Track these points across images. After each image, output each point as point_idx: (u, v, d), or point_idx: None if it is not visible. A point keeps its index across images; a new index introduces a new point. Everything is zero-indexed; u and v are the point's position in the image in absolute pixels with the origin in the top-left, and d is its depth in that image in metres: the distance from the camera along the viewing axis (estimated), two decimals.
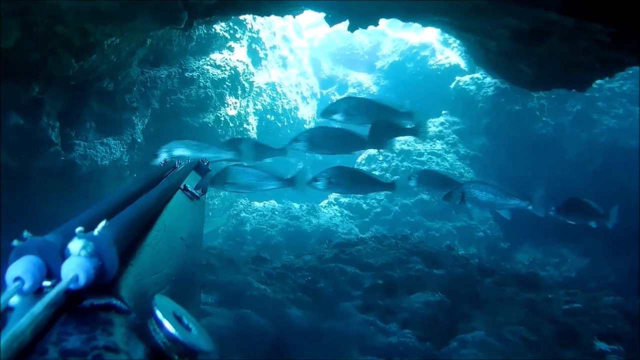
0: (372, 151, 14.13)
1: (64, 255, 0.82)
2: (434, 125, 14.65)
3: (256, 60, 14.68)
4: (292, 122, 15.90)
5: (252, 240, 11.62)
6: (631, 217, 12.82)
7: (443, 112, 15.08)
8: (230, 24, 13.00)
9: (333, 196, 13.65)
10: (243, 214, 12.19)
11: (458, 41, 14.10)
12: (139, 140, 10.40)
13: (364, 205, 13.05)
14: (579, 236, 12.96)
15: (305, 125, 16.55)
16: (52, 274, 0.81)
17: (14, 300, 0.77)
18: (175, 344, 0.80)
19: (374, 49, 18.62)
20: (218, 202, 13.12)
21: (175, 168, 2.04)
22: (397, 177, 12.41)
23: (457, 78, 15.21)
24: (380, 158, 13.82)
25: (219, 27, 12.53)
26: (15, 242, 0.82)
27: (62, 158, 8.65)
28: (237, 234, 11.85)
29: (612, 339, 7.05)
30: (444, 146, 14.07)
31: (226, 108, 12.69)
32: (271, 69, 15.56)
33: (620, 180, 13.01)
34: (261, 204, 12.88)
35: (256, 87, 14.34)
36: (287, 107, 15.74)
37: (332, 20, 6.87)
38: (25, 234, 0.85)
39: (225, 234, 12.30)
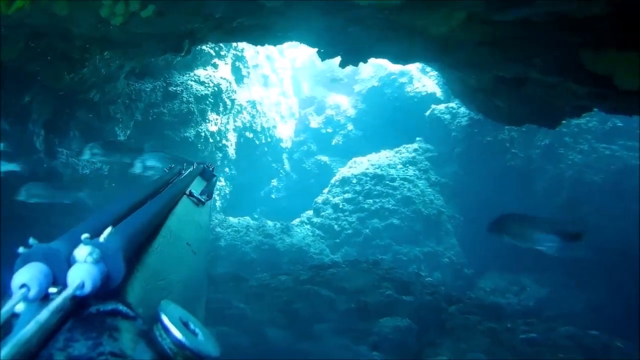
0: (347, 173, 14.55)
1: (70, 262, 0.83)
2: (407, 151, 15.12)
3: (239, 77, 15.02)
4: (269, 140, 16.26)
5: (227, 255, 11.87)
6: (594, 252, 13.44)
7: (417, 138, 15.56)
8: None
9: (306, 215, 14.02)
10: (218, 229, 12.47)
11: (436, 72, 14.61)
12: None
13: (336, 227, 13.42)
14: (540, 266, 13.50)
15: (282, 144, 16.93)
16: (58, 280, 0.82)
17: (20, 307, 0.78)
18: (182, 350, 0.80)
19: (353, 73, 19.11)
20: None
21: (181, 174, 2.06)
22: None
23: (433, 106, 15.71)
24: (354, 181, 14.22)
25: (205, 45, 12.84)
26: (21, 249, 0.83)
27: (45, 165, 8.86)
28: (212, 249, 12.13)
29: None
30: (416, 172, 14.52)
31: (207, 124, 12.99)
32: (253, 87, 15.92)
33: (585, 214, 13.58)
34: (236, 220, 13.17)
35: (237, 105, 14.67)
36: (266, 125, 16.10)
37: (324, 55, 7.25)
38: (31, 241, 0.85)
39: None
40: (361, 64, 7.19)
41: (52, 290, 0.81)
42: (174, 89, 12.03)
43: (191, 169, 2.19)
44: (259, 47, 16.13)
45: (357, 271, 8.65)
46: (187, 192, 1.85)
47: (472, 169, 14.75)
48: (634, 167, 13.97)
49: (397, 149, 15.35)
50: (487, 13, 3.75)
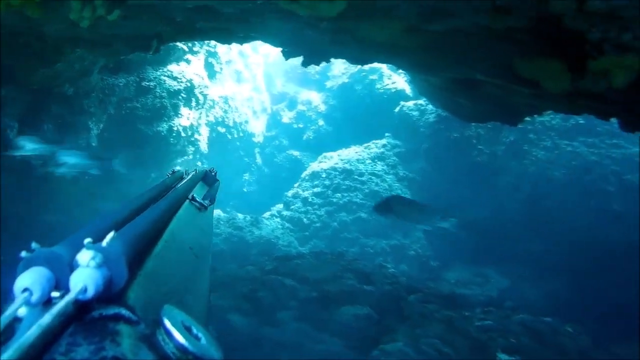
0: (317, 168, 14.90)
1: (72, 266, 0.83)
2: (376, 146, 15.50)
3: (212, 73, 15.28)
4: (242, 134, 16.55)
5: None
6: (555, 244, 13.97)
7: (386, 134, 15.92)
8: None
9: (276, 208, 14.36)
10: None
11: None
12: (93, 144, 10.86)
13: (305, 220, 13.76)
14: (503, 258, 13.97)
15: (254, 139, 17.22)
16: (61, 285, 0.82)
17: (23, 311, 0.78)
18: (185, 354, 0.80)
19: (325, 69, 19.42)
20: None
21: (183, 179, 2.06)
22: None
23: (402, 103, 16.08)
24: (324, 175, 14.57)
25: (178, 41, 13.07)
26: (23, 254, 0.83)
27: (19, 157, 9.05)
28: None
29: (513, 351, 8.04)
30: (385, 167, 14.89)
31: (180, 118, 13.23)
32: (226, 83, 16.19)
33: (547, 208, 14.07)
34: None
35: (210, 100, 14.92)
36: (238, 120, 16.39)
37: (288, 55, 7.60)
38: (34, 245, 0.86)
39: None
40: (333, 61, 7.56)
41: (55, 294, 0.81)
42: (147, 84, 12.27)
43: (193, 173, 2.20)
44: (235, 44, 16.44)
45: (321, 262, 9.02)
46: (190, 196, 1.83)
47: (439, 164, 15.16)
48: (594, 162, 14.47)
49: (366, 145, 15.70)
50: (421, 23, 4.10)
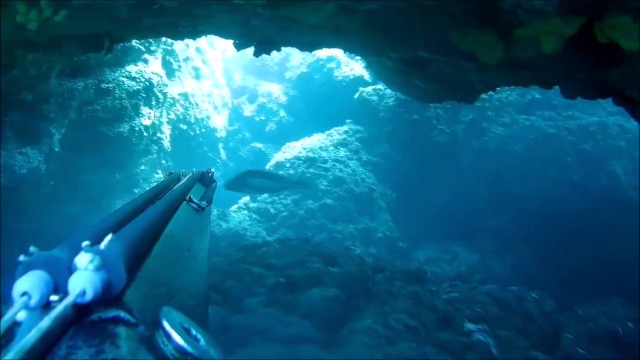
0: (280, 158, 15.02)
1: (71, 269, 0.83)
2: (338, 133, 15.66)
3: (170, 71, 15.27)
4: (204, 130, 16.58)
5: None
6: (520, 217, 14.30)
7: (347, 120, 16.10)
8: None
9: (243, 201, 14.44)
10: None
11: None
12: (56, 149, 10.85)
13: (272, 210, 13.86)
14: (471, 235, 14.26)
15: (216, 134, 17.25)
16: (60, 288, 0.82)
17: (22, 315, 0.78)
18: (184, 356, 0.81)
19: (283, 61, 19.54)
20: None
21: (180, 180, 2.05)
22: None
23: (361, 89, 16.27)
24: (288, 165, 14.69)
25: (135, 40, 13.03)
26: (22, 257, 0.82)
27: None
28: None
29: (480, 320, 8.27)
30: (347, 153, 15.06)
31: (141, 118, 13.23)
32: (185, 80, 16.18)
33: (509, 182, 14.39)
34: None
35: (170, 98, 14.93)
36: (199, 116, 16.40)
37: (239, 46, 7.70)
38: (32, 248, 0.85)
39: None
40: (290, 51, 7.65)
41: (54, 298, 0.81)
42: (106, 85, 12.27)
43: (190, 174, 2.17)
44: (189, 40, 16.43)
45: (287, 249, 9.15)
46: (187, 198, 1.82)
47: (401, 147, 15.37)
48: (551, 135, 14.81)
49: (328, 132, 15.86)
50: (353, 3, 4.23)
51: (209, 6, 4.97)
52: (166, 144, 14.65)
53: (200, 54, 17.62)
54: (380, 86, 15.77)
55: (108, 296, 0.83)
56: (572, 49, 4.05)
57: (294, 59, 19.31)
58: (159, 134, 14.35)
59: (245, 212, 13.96)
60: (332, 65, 17.67)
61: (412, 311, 8.05)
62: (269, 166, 15.18)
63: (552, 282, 12.29)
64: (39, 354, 0.69)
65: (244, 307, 7.33)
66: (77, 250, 0.84)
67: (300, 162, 14.63)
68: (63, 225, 10.82)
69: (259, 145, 17.80)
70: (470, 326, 8.10)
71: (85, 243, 0.85)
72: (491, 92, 14.89)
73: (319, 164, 14.51)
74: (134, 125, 12.95)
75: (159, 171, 14.58)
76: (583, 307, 11.77)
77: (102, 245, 0.87)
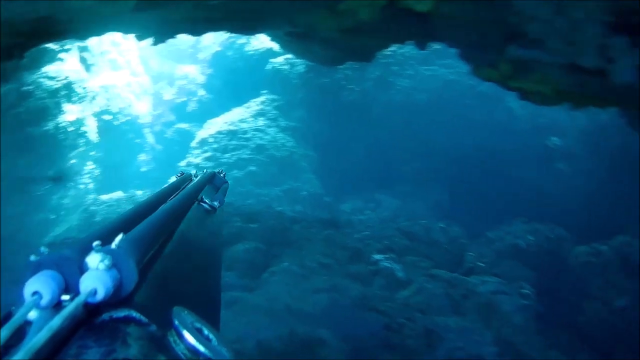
0: (204, 135, 15.85)
1: (82, 269, 0.82)
2: (255, 104, 16.57)
3: (87, 66, 15.79)
4: (128, 118, 17.21)
5: None
6: (432, 159, 15.54)
7: (263, 91, 17.00)
8: None
9: (172, 179, 15.11)
10: (92, 208, 13.50)
11: None
12: None
13: None
14: (391, 182, 15.40)
15: (140, 121, 17.92)
16: (71, 288, 0.80)
17: (33, 314, 0.77)
18: (196, 356, 0.80)
19: (196, 42, 20.19)
20: (69, 201, 14.34)
21: (192, 180, 2.00)
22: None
23: (272, 60, 17.18)
24: (211, 140, 15.53)
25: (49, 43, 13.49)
26: (32, 257, 0.82)
27: None
28: (88, 226, 13.07)
29: (387, 251, 9.45)
30: (266, 122, 15.99)
31: (64, 115, 13.82)
32: (103, 73, 16.70)
33: (418, 129, 15.58)
34: (107, 196, 14.25)
35: (91, 92, 15.48)
36: (121, 105, 17.01)
37: (140, 38, 8.54)
38: (43, 248, 0.85)
39: (78, 228, 13.40)
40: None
41: (65, 297, 0.79)
42: (27, 88, 12.77)
43: (201, 175, 2.10)
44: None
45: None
46: (199, 198, 1.77)
47: (316, 109, 16.37)
48: (451, 81, 16.02)
49: (246, 105, 16.73)
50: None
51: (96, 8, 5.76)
52: (93, 136, 15.25)
53: (115, 46, 18.12)
54: (290, 55, 16.57)
55: (119, 296, 0.82)
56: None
57: (206, 39, 19.97)
58: (84, 128, 14.93)
59: None
60: (243, 40, 18.45)
61: (326, 251, 9.15)
62: (193, 144, 15.99)
63: (466, 213, 13.57)
64: (49, 353, 0.69)
65: None
66: (88, 250, 0.83)
67: (223, 136, 15.49)
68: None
69: (184, 125, 18.55)
70: (377, 256, 9.27)
71: (96, 243, 0.84)
72: (394, 48, 15.98)
73: (240, 135, 15.40)
74: (58, 122, 13.51)
75: (90, 163, 15.23)
76: (493, 231, 13.15)
77: (114, 245, 0.86)
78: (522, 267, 11.88)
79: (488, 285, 9.80)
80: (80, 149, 14.81)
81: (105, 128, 16.11)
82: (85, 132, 15.01)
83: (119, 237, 0.87)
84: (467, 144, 15.21)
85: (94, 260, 0.80)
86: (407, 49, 17.01)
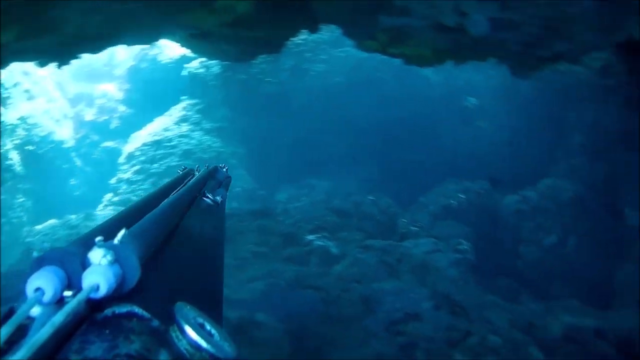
0: (130, 149, 15.86)
1: (84, 265, 0.80)
2: (177, 111, 16.65)
3: (2, 100, 15.56)
4: (52, 145, 17.05)
5: None
6: (356, 138, 15.90)
7: (182, 97, 17.12)
8: None
9: (106, 198, 15.19)
10: (28, 239, 13.41)
11: None
12: None
13: (134, 198, 14.56)
14: (321, 166, 15.71)
15: (65, 146, 17.76)
16: (73, 283, 0.79)
17: (35, 310, 0.76)
18: (198, 351, 0.79)
19: (110, 59, 20.12)
20: (5, 238, 13.95)
21: (194, 175, 2.00)
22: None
23: (186, 66, 17.28)
24: (138, 153, 15.57)
25: None
26: (35, 253, 0.81)
27: None
28: (28, 259, 12.94)
29: (319, 229, 9.77)
30: (190, 126, 16.10)
31: None
32: (19, 104, 16.48)
33: (339, 110, 15.94)
34: (41, 226, 14.15)
35: (9, 125, 15.31)
36: (43, 134, 16.83)
37: (42, 64, 8.59)
38: (45, 245, 0.83)
39: (20, 263, 12.93)
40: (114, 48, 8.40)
41: (67, 293, 0.77)
42: None
43: (203, 170, 2.12)
44: (11, 66, 16.67)
45: None
46: (201, 193, 1.78)
47: (237, 107, 16.55)
48: (365, 59, 16.38)
49: (168, 113, 16.82)
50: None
51: None
52: (19, 169, 15.12)
53: (27, 76, 17.87)
54: (203, 59, 16.74)
55: (122, 291, 0.81)
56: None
57: (119, 55, 19.92)
58: (8, 162, 14.78)
59: (111, 207, 14.70)
60: (156, 51, 18.55)
61: (259, 240, 9.40)
62: (121, 160, 15.97)
63: (397, 183, 14.02)
64: (52, 349, 0.68)
65: None
66: (90, 245, 0.82)
67: (148, 147, 15.54)
68: None
69: (109, 143, 18.47)
70: (310, 237, 9.57)
71: (98, 238, 0.83)
72: (305, 36, 16.26)
73: (166, 144, 15.47)
74: None
75: (19, 196, 15.07)
76: (425, 195, 13.62)
77: (116, 240, 0.85)
78: (457, 225, 12.40)
79: (422, 246, 10.20)
80: (8, 184, 14.65)
81: (30, 158, 15.97)
82: (11, 165, 14.86)
83: (122, 232, 0.86)
84: (389, 117, 15.64)
85: (97, 255, 0.80)
86: (319, 35, 17.33)
